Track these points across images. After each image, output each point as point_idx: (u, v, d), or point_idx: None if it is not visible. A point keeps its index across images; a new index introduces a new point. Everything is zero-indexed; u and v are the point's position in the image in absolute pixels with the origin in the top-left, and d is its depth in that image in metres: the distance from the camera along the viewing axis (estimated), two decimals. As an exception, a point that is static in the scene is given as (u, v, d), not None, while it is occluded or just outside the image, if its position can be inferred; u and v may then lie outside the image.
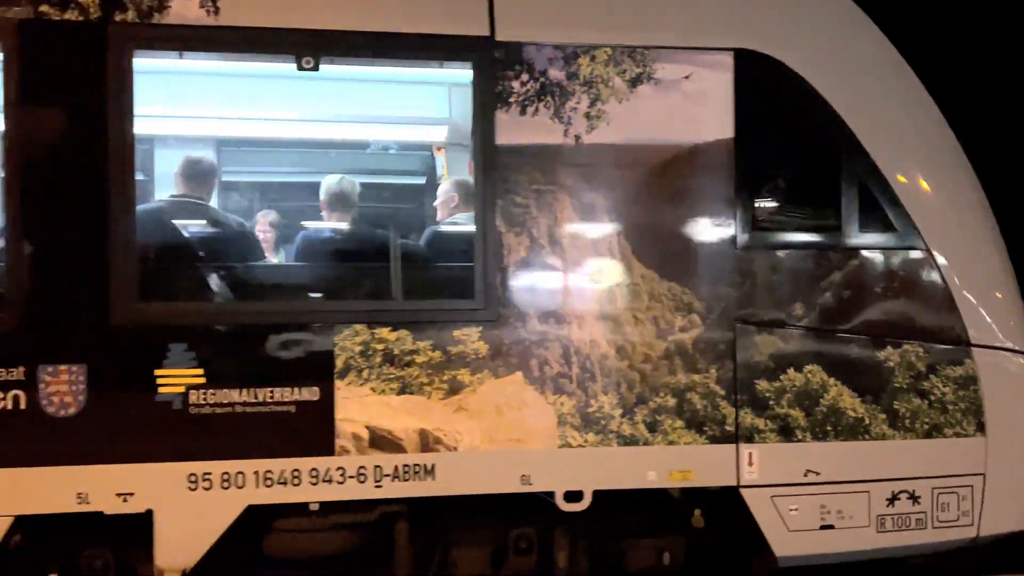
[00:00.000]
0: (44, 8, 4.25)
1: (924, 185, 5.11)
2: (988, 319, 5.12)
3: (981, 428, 5.05)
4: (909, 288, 5.02)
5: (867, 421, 4.90)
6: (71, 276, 4.25)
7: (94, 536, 4.41)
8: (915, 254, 5.03)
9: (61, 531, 4.35)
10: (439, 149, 7.05)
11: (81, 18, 4.27)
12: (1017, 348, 5.20)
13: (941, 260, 5.05)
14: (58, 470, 4.21)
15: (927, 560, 5.61)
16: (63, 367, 4.21)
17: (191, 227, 4.79)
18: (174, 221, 4.66)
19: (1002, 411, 5.09)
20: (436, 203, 5.38)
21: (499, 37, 4.61)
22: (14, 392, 4.17)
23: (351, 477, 4.44)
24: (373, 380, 4.46)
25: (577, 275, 4.68)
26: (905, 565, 5.63)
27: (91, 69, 4.27)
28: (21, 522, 4.22)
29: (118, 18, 4.30)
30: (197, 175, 4.87)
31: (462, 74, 4.96)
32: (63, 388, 4.21)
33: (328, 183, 5.16)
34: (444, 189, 5.32)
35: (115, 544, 4.43)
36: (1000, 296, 5.22)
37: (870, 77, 5.12)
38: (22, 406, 4.17)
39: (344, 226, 5.07)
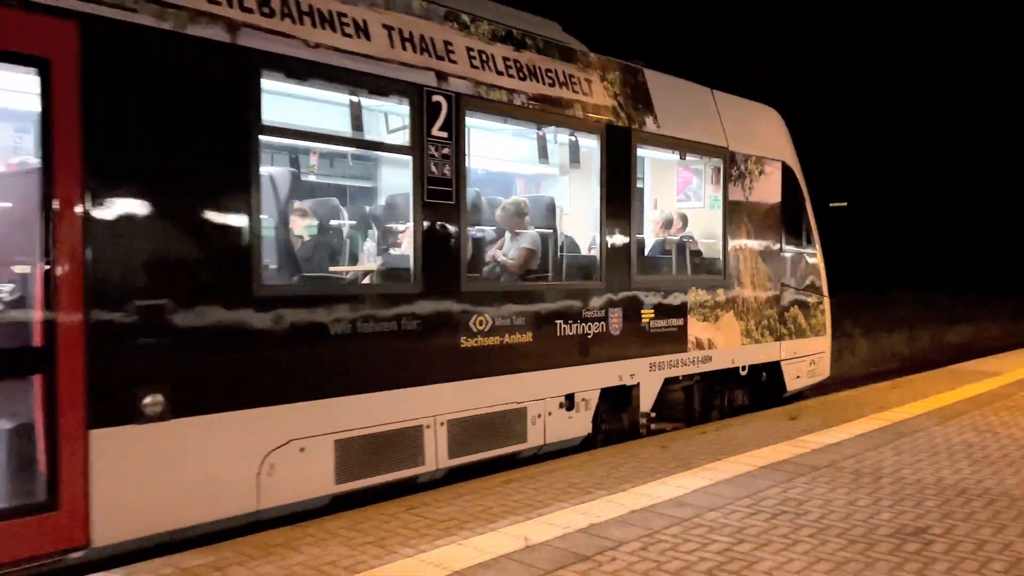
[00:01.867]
0: (611, 118, 8.01)
1: (813, 223, 11.45)
2: (824, 282, 11.73)
3: (824, 332, 11.64)
4: (815, 270, 11.35)
5: (805, 329, 11.09)
6: (620, 264, 8.12)
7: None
8: (816, 257, 11.38)
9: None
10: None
11: (623, 124, 8.13)
12: (828, 295, 11.92)
13: (819, 258, 11.49)
14: (613, 364, 8.09)
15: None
16: (615, 309, 8.09)
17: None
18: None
19: (824, 321, 11.77)
20: (665, 224, 9.85)
21: (731, 148, 9.60)
22: (601, 323, 7.93)
23: (692, 362, 9.09)
24: (696, 315, 9.14)
25: (747, 263, 9.92)
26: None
27: (627, 154, 8.17)
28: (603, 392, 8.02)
29: (633, 126, 8.25)
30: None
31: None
32: (616, 321, 8.10)
33: (664, 213, 9.43)
34: (671, 217, 9.81)
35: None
36: (821, 272, 11.86)
37: (799, 173, 11.27)
38: (601, 331, 7.96)
39: (676, 238, 9.44)
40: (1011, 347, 20.16)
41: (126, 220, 4.76)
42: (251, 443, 5.31)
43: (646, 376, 8.45)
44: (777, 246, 10.48)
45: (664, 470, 6.77)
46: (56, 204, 4.47)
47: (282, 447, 5.45)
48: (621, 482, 6.39)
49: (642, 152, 8.78)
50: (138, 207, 4.81)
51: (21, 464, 4.57)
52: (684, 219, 9.79)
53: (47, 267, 4.48)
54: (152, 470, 4.83)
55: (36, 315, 4.52)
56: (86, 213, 4.59)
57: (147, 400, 4.78)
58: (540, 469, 6.80)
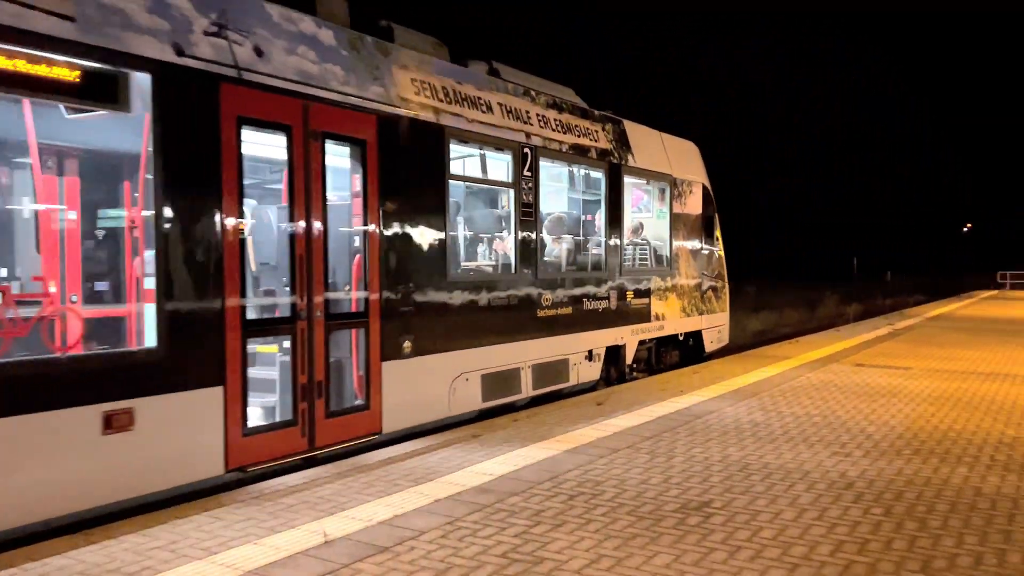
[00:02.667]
0: (610, 158, 11.48)
1: (718, 228, 15.37)
2: (725, 272, 15.72)
3: (726, 309, 15.64)
4: (721, 263, 15.30)
5: (716, 307, 14.99)
6: (616, 259, 11.62)
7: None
8: (721, 252, 15.33)
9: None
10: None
11: (616, 162, 11.60)
12: (727, 281, 15.93)
13: (722, 253, 15.45)
14: (612, 329, 11.59)
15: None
16: (613, 291, 11.59)
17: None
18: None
19: (726, 301, 15.79)
20: (634, 230, 13.28)
21: (674, 175, 13.29)
22: (606, 300, 11.38)
23: (654, 330, 12.71)
24: (655, 296, 12.75)
25: (683, 259, 13.63)
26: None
27: (619, 181, 11.66)
28: (607, 349, 11.48)
29: (623, 162, 11.73)
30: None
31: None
32: (613, 299, 11.59)
33: (633, 221, 12.89)
34: (638, 224, 13.25)
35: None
36: (724, 264, 15.84)
37: (711, 191, 15.16)
38: (606, 307, 11.40)
39: (640, 240, 12.89)
40: (806, 332, 22.56)
41: (395, 235, 7.81)
42: (446, 374, 8.45)
43: (630, 338, 12.01)
44: (699, 245, 14.29)
45: (473, 458, 6.93)
46: (369, 227, 7.50)
47: (458, 377, 8.61)
48: (429, 472, 6.48)
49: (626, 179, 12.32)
50: (398, 227, 7.86)
51: (348, 382, 7.56)
52: (643, 226, 13.38)
53: (364, 264, 7.50)
54: (405, 388, 7.91)
55: (356, 294, 7.53)
56: (380, 232, 7.62)
57: (404, 345, 7.85)
58: (345, 466, 6.80)
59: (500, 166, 9.79)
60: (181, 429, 5.95)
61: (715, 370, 12.60)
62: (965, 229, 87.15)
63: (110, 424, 5.52)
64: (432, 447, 7.44)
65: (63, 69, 5.29)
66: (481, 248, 10.06)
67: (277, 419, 6.90)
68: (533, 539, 5.01)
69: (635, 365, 12.31)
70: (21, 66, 5.10)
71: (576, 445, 7.46)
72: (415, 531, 5.15)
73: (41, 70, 5.19)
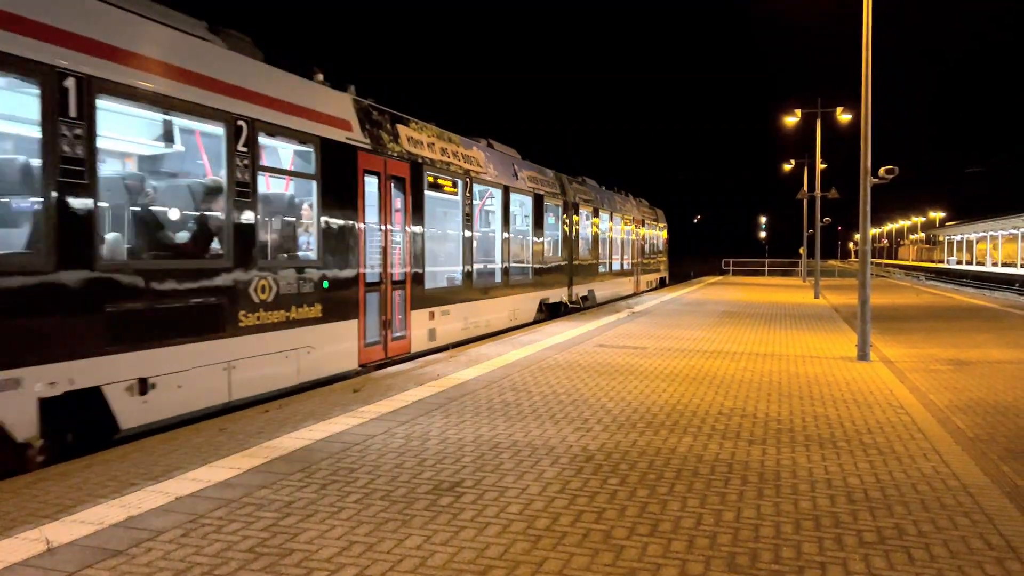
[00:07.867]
0: (659, 225, 32.78)
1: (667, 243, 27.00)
2: (667, 260, 32.67)
3: (666, 270, 40.25)
4: (666, 251, 41.34)
5: (667, 269, 41.34)
6: (661, 252, 20.19)
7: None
8: (666, 249, 38.63)
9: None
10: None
11: (655, 222, 30.49)
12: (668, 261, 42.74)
13: (666, 245, 30.82)
14: (655, 273, 37.71)
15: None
16: (657, 262, 34.65)
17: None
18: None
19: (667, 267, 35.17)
20: (654, 240, 28.08)
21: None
22: (656, 263, 35.27)
23: (660, 274, 39.07)
24: (660, 264, 39.50)
25: (663, 250, 41.01)
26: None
27: (654, 229, 28.90)
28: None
29: (656, 222, 31.38)
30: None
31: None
32: (656, 263, 30.14)
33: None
34: (656, 238, 29.12)
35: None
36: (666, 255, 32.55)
37: (666, 229, 28.28)
38: (655, 267, 31.86)
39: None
40: (556, 317, 24.38)
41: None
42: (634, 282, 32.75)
43: (656, 277, 37.20)
44: (666, 246, 41.30)
45: (219, 452, 6.63)
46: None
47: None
48: (171, 470, 6.14)
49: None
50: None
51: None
52: (659, 239, 37.32)
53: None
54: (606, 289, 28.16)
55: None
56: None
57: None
58: (76, 465, 6.31)
59: (658, 232, 36.95)
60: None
61: (470, 354, 12.83)
62: (696, 220, 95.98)
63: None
64: (176, 443, 7.00)
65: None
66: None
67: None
68: (282, 531, 4.86)
69: (652, 288, 30.10)
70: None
71: (331, 433, 7.34)
72: (153, 532, 4.82)
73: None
